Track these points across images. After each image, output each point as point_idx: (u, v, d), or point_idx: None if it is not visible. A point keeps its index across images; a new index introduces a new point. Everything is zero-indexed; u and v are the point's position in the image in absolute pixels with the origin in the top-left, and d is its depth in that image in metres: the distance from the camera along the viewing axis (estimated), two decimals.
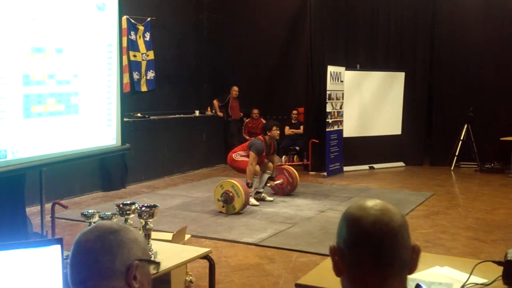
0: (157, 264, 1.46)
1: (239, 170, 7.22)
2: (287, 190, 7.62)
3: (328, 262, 2.63)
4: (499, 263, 2.19)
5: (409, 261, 1.18)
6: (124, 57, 8.42)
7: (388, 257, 1.14)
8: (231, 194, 6.42)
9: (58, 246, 1.68)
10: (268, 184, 7.36)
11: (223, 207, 6.50)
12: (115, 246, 1.27)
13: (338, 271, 1.20)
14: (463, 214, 6.53)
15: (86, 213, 3.08)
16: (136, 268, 1.28)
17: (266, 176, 7.20)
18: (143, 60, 9.41)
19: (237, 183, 6.45)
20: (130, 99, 8.58)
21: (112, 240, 1.27)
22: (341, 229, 1.21)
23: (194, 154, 10.03)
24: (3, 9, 3.45)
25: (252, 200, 6.89)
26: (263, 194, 7.23)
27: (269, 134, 7.04)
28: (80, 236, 1.30)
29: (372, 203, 1.20)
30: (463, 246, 5.18)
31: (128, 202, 2.81)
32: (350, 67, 9.89)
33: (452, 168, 9.77)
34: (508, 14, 9.65)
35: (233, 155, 7.25)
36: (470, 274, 2.13)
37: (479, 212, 6.59)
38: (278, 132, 7.18)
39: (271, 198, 7.26)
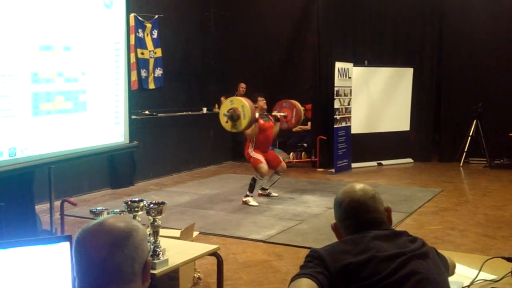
0: None
1: (253, 167, 7.17)
2: (287, 125, 7.50)
3: None
4: (508, 259, 2.19)
5: (385, 219, 1.78)
6: (132, 55, 8.44)
7: (364, 221, 1.73)
8: (238, 113, 6.32)
9: (67, 243, 1.68)
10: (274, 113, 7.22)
11: (226, 122, 6.38)
12: (133, 251, 1.20)
13: (340, 238, 1.78)
14: (472, 210, 6.50)
15: (95, 210, 3.09)
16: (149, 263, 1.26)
17: (276, 177, 7.15)
18: (150, 57, 9.43)
19: (247, 104, 6.31)
20: (138, 97, 8.59)
21: (130, 246, 1.19)
22: (335, 210, 1.81)
23: (201, 151, 10.04)
24: (11, 7, 3.46)
25: (252, 202, 6.77)
26: (268, 190, 7.24)
27: (256, 107, 6.80)
28: (89, 242, 1.21)
29: (351, 188, 1.80)
30: (472, 243, 5.15)
31: (136, 199, 2.82)
32: (358, 63, 9.85)
33: (461, 164, 9.73)
34: None
35: (248, 150, 7.10)
36: (480, 271, 2.13)
37: (488, 208, 6.56)
38: (265, 101, 6.98)
39: (276, 194, 7.28)
